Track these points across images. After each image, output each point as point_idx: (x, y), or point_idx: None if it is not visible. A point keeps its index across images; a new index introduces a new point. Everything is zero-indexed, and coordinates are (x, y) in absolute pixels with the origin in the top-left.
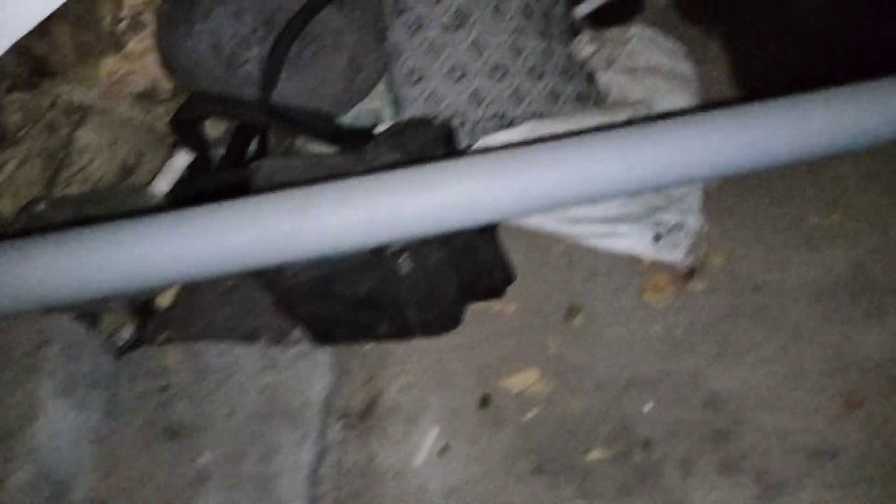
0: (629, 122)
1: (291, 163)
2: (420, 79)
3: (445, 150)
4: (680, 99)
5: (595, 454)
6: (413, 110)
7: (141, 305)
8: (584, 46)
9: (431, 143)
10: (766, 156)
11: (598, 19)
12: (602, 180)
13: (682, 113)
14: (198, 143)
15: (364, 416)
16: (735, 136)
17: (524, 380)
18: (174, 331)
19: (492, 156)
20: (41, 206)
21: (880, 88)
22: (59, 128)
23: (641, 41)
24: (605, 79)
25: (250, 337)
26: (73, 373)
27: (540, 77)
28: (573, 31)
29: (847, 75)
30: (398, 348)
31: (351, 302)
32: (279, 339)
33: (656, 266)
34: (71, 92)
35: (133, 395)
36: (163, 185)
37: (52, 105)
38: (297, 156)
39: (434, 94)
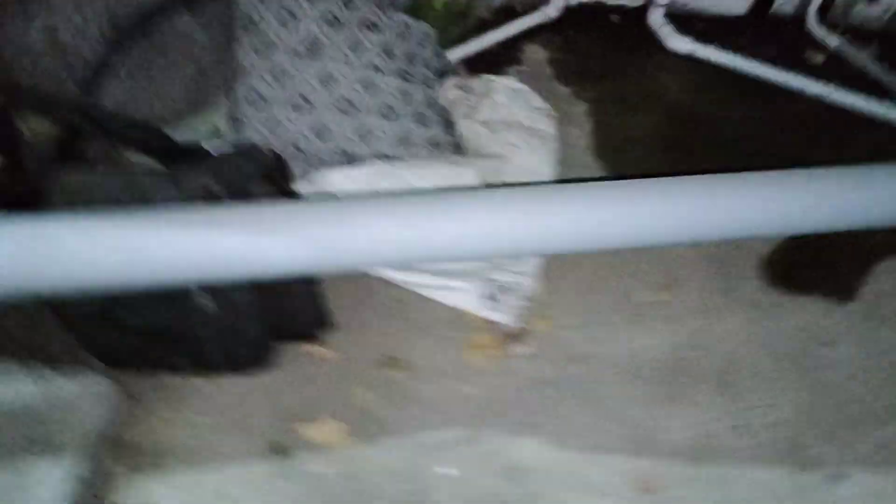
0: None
1: (99, 179)
2: (263, 102)
3: (267, 186)
4: (537, 157)
5: None
6: (251, 132)
7: None
8: (450, 91)
9: (253, 176)
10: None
11: (473, 66)
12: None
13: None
14: (7, 140)
15: (148, 455)
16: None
17: (324, 431)
18: None
19: (317, 206)
20: None
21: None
22: None
23: (506, 93)
24: (464, 127)
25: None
26: None
27: (392, 118)
28: (441, 74)
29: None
30: (202, 383)
31: (136, 332)
32: (59, 359)
33: (484, 325)
34: None
35: None
36: None
37: None
38: (108, 172)
39: (275, 119)
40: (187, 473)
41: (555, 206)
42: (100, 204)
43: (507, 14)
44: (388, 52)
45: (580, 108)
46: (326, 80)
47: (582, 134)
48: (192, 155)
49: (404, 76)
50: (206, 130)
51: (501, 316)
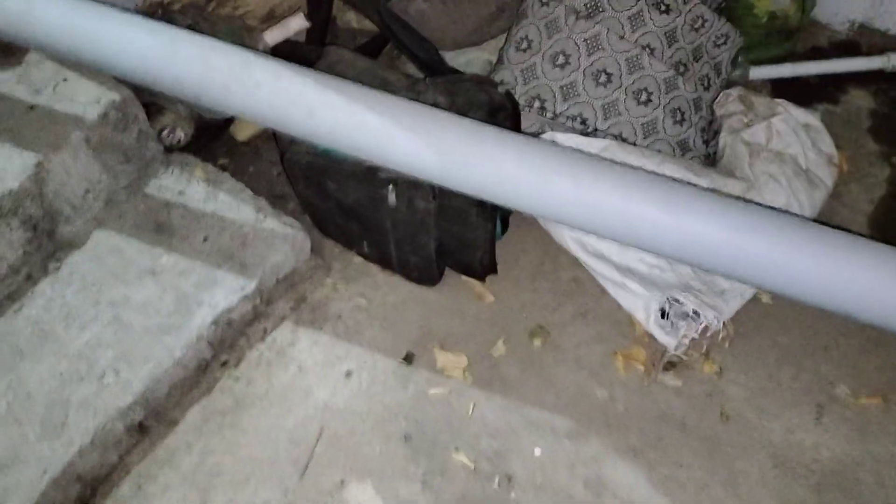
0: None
1: (355, 61)
2: (527, 49)
3: (491, 120)
4: (795, 202)
5: (460, 457)
6: (506, 74)
7: (202, 121)
8: (730, 101)
9: (481, 109)
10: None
11: (780, 89)
12: (663, 237)
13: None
14: (319, 17)
15: (309, 308)
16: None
17: (452, 361)
18: (227, 159)
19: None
20: (177, 7)
21: None
22: None
23: (791, 124)
24: (727, 141)
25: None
26: (112, 137)
27: (646, 104)
28: (729, 82)
29: None
30: (379, 273)
31: (338, 204)
32: (284, 207)
33: (646, 339)
34: None
35: (153, 185)
36: (271, 37)
37: None
38: (364, 59)
39: (531, 68)
40: (330, 338)
41: (793, 240)
42: (343, 75)
43: (847, 48)
44: (669, 38)
45: (882, 172)
46: (593, 46)
47: (866, 199)
48: (448, 77)
49: (678, 67)
50: (480, 64)
51: (667, 339)
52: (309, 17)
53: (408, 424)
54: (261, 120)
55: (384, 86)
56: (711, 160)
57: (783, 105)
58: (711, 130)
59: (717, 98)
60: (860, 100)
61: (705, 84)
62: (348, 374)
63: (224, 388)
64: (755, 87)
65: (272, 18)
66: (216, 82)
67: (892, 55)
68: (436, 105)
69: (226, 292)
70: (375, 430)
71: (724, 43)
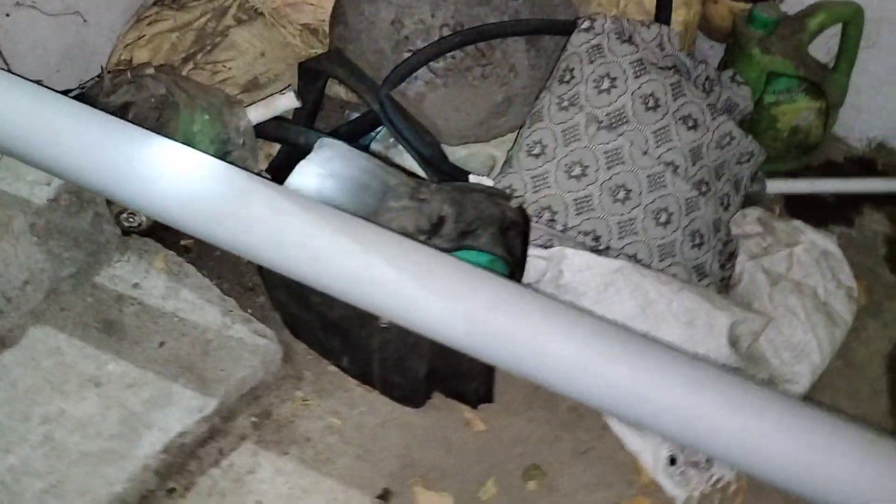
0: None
1: (352, 158)
2: (540, 154)
3: (502, 238)
4: (814, 339)
5: None
6: (515, 180)
7: None
8: (748, 222)
9: (490, 221)
10: None
11: (793, 206)
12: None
13: None
14: (311, 96)
15: (275, 427)
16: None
17: (436, 502)
18: (191, 240)
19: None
20: (149, 71)
21: None
22: (226, 17)
23: (812, 252)
24: (745, 267)
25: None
26: (62, 222)
27: (665, 224)
28: (749, 200)
29: None
30: (357, 388)
31: (320, 317)
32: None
33: (654, 488)
34: None
35: (104, 274)
36: (255, 115)
37: None
38: (361, 156)
39: (543, 177)
40: (297, 465)
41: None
42: (338, 174)
43: (863, 165)
44: (695, 156)
45: None
46: (613, 160)
47: (884, 337)
48: (452, 178)
49: (700, 187)
50: (482, 160)
51: (675, 488)
52: (300, 94)
53: None
54: (254, 258)
55: (386, 190)
56: (726, 283)
57: (805, 230)
58: (727, 252)
59: (734, 216)
60: (876, 224)
61: (725, 204)
62: None
63: None
64: (769, 202)
65: (256, 88)
66: (202, 209)
67: None
68: (443, 216)
69: (181, 413)
70: None
71: (748, 160)
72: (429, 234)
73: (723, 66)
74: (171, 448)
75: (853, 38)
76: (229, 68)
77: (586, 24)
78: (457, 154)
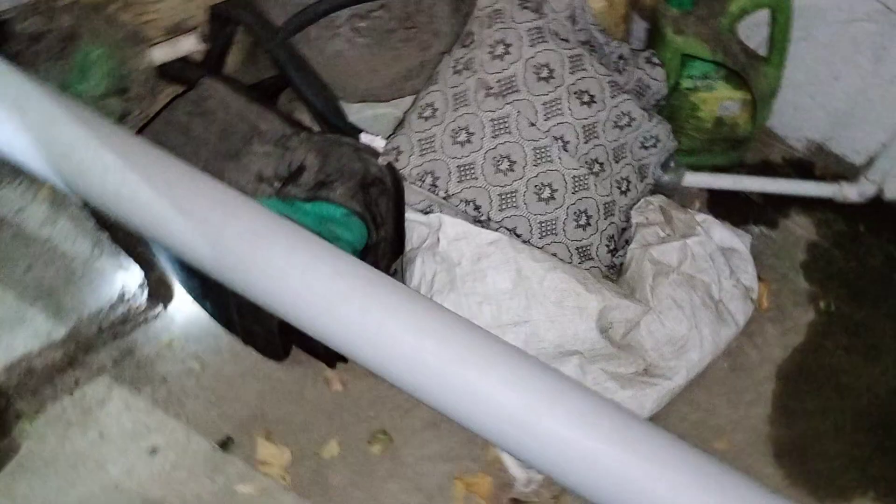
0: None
1: (229, 100)
2: (430, 117)
3: (361, 194)
4: (697, 336)
5: None
6: (403, 141)
7: None
8: (649, 209)
9: (350, 174)
10: None
11: (716, 202)
12: None
13: None
14: (221, 41)
15: (132, 366)
16: None
17: (274, 455)
18: None
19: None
20: (61, 3)
21: None
22: None
23: (709, 248)
24: (633, 255)
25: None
26: None
27: (548, 200)
28: (654, 188)
29: None
30: (225, 336)
31: (181, 263)
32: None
33: (496, 464)
34: None
35: None
36: (159, 55)
37: None
38: (240, 99)
39: (429, 140)
40: (146, 404)
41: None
42: (210, 113)
43: (800, 168)
44: (588, 133)
45: (804, 316)
46: (499, 128)
47: (781, 345)
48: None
49: (591, 166)
50: (389, 121)
51: (517, 472)
52: (208, 38)
53: None
54: None
55: (252, 135)
56: (617, 271)
57: (706, 223)
58: (622, 239)
59: (636, 203)
60: (801, 228)
61: (623, 188)
62: (153, 450)
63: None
64: (691, 195)
65: (178, 31)
66: None
67: (844, 185)
68: (303, 166)
69: (28, 336)
70: None
71: (654, 146)
72: (286, 181)
73: (646, 46)
74: (15, 369)
75: (781, 26)
76: (157, 10)
77: None
78: (362, 114)
